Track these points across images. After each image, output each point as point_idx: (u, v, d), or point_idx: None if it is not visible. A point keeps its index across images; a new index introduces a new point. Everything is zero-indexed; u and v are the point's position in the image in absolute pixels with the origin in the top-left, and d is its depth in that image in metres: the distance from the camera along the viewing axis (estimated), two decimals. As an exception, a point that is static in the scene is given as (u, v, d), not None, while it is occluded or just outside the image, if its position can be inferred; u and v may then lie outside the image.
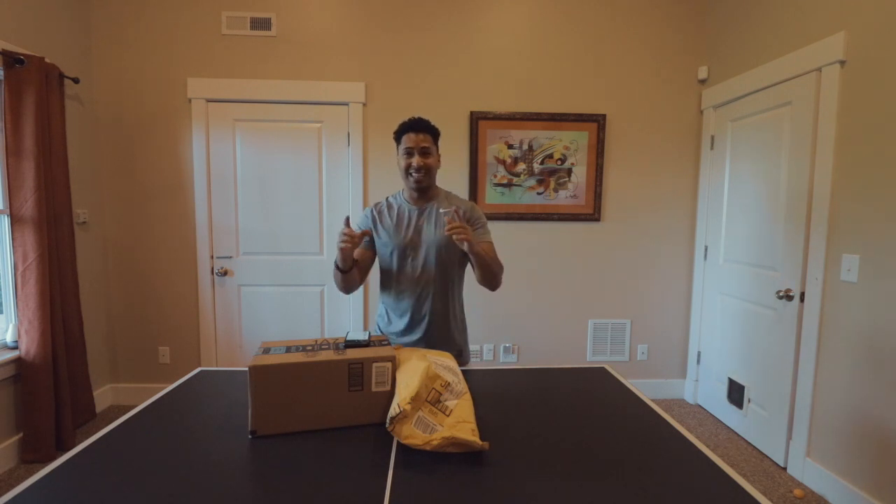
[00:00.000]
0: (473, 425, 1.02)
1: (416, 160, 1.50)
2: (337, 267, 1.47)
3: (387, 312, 1.65)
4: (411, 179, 1.52)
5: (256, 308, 3.06)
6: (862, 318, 1.97)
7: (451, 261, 1.58)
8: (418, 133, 1.51)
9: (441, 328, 1.60)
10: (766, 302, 2.48)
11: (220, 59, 2.91)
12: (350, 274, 1.49)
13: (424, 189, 1.56)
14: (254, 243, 3.02)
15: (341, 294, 3.07)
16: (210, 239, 3.00)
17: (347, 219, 1.40)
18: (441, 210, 1.57)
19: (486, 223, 1.63)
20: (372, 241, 1.60)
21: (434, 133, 1.55)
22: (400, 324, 1.60)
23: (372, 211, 1.63)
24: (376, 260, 1.65)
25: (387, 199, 1.66)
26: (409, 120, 1.53)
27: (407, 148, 1.51)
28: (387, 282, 1.63)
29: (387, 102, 2.98)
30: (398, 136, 1.55)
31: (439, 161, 1.59)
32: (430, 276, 1.56)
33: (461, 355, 1.68)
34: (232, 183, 2.98)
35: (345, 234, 1.37)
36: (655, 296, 3.21)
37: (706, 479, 0.89)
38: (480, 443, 0.96)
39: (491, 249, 1.58)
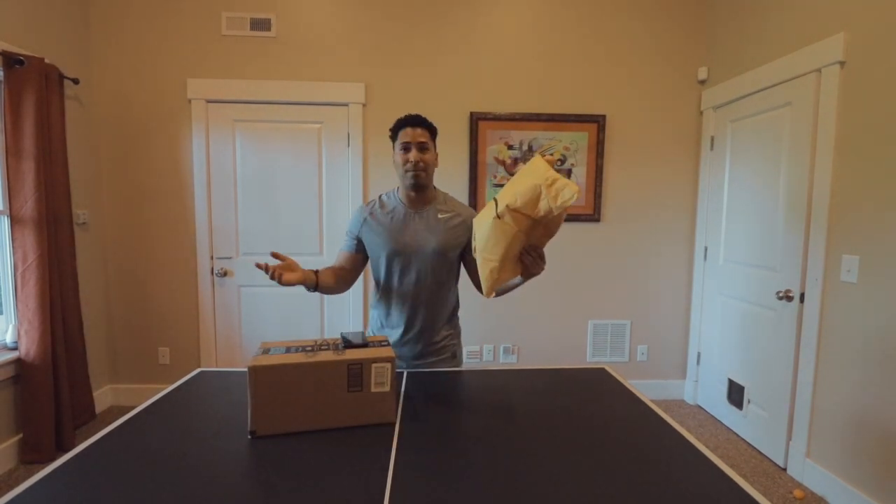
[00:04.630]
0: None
1: (413, 155, 1.42)
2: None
3: (379, 318, 1.59)
4: (409, 175, 1.44)
5: (256, 308, 3.06)
6: (862, 318, 1.97)
7: (447, 267, 1.52)
8: (416, 128, 1.44)
9: (436, 334, 1.56)
10: (766, 302, 2.48)
11: (219, 59, 2.91)
12: (321, 288, 1.45)
13: (422, 187, 1.47)
14: (254, 244, 3.02)
15: (341, 294, 3.07)
16: (210, 239, 3.00)
17: (273, 254, 1.37)
18: (440, 215, 1.50)
19: None
20: (361, 243, 1.54)
21: (432, 130, 1.48)
22: (394, 332, 1.55)
23: (363, 212, 1.54)
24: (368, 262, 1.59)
25: (380, 197, 1.57)
26: (407, 116, 1.47)
27: (404, 143, 1.43)
28: (379, 287, 1.56)
29: (387, 103, 2.99)
30: (394, 133, 1.48)
31: (437, 160, 1.51)
32: (424, 282, 1.50)
33: (455, 357, 1.63)
34: (232, 184, 2.99)
35: (270, 271, 1.29)
36: (655, 296, 3.21)
37: (706, 479, 0.89)
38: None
39: None
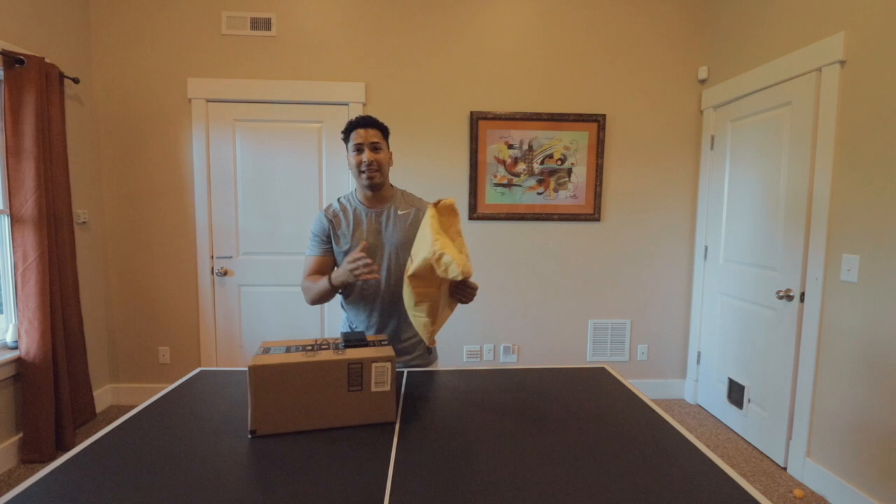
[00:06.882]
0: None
1: (366, 155, 1.45)
2: (331, 285, 1.45)
3: (349, 320, 1.61)
4: (363, 176, 1.47)
5: (256, 308, 3.06)
6: (862, 318, 1.97)
7: None
8: (367, 129, 1.47)
9: (406, 331, 1.57)
10: (766, 302, 2.48)
11: (220, 59, 2.91)
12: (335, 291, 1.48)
13: (377, 186, 1.50)
14: (254, 243, 3.02)
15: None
16: (210, 239, 3.00)
17: (365, 245, 1.41)
18: (399, 211, 1.53)
19: None
20: (330, 247, 1.56)
21: (384, 130, 1.52)
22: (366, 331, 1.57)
23: (325, 216, 1.56)
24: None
25: (339, 200, 1.59)
26: (357, 117, 1.50)
27: (356, 144, 1.47)
28: (347, 289, 1.57)
29: (387, 103, 2.98)
30: (346, 135, 1.51)
31: (391, 159, 1.56)
32: (390, 281, 1.52)
33: (430, 353, 1.65)
34: (232, 183, 2.99)
35: (367, 265, 1.33)
36: (655, 296, 3.21)
37: (706, 479, 0.89)
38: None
39: None
